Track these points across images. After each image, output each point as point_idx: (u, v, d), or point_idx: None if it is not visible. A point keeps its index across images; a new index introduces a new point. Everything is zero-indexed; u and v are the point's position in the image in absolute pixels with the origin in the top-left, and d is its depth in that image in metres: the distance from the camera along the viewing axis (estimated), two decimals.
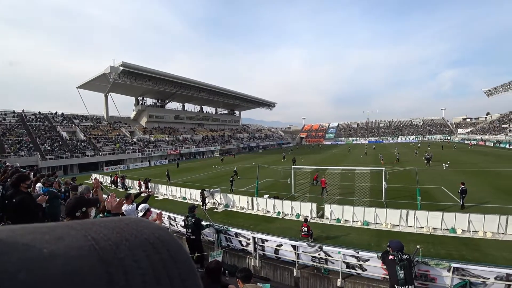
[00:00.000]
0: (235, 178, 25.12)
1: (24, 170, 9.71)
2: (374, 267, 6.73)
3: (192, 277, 0.34)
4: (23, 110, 51.97)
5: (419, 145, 68.13)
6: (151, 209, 6.03)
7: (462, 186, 14.59)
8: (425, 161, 32.47)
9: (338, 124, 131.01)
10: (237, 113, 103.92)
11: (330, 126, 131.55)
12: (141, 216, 5.43)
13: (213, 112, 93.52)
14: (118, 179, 27.08)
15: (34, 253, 0.25)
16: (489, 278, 5.73)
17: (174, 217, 10.74)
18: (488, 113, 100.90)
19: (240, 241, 8.87)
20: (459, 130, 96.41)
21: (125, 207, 5.64)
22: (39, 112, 53.73)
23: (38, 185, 7.14)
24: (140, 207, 5.61)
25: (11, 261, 0.23)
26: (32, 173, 10.96)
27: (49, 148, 42.57)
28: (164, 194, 21.74)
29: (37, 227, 0.30)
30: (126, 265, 0.28)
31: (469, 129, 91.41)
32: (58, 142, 45.42)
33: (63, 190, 9.13)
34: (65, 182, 11.30)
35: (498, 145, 59.70)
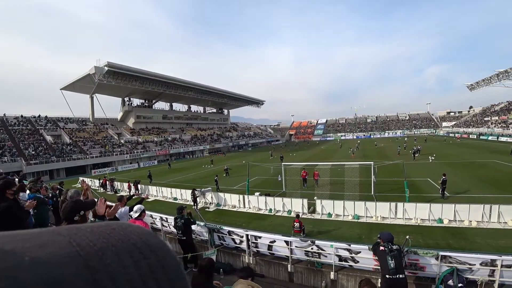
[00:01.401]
0: (222, 177, 25.10)
1: (9, 177, 9.44)
2: (366, 258, 6.90)
3: (181, 282, 0.33)
4: (4, 114, 50.23)
5: (406, 138, 69.57)
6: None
7: (444, 177, 15.23)
8: (412, 154, 33.33)
9: (327, 120, 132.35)
10: (225, 111, 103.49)
11: (318, 122, 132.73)
12: (137, 217, 5.38)
13: (202, 111, 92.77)
14: (107, 182, 26.60)
15: (15, 261, 0.24)
16: (474, 264, 5.97)
17: (166, 218, 10.67)
18: (471, 107, 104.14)
19: (233, 239, 8.90)
20: (444, 124, 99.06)
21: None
22: (22, 116, 52.04)
23: (22, 194, 6.86)
24: (135, 208, 5.55)
25: None
26: (16, 179, 10.66)
27: (33, 152, 41.33)
28: (155, 195, 21.50)
29: (19, 233, 0.29)
30: (113, 271, 0.27)
31: (453, 123, 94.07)
32: (43, 146, 44.18)
33: (50, 195, 8.89)
34: (52, 187, 10.99)
35: (480, 137, 61.68)
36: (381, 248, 5.57)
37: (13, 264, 0.23)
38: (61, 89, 58.56)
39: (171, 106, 79.59)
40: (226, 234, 8.98)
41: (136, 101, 69.46)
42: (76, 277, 0.25)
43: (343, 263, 7.26)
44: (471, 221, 11.13)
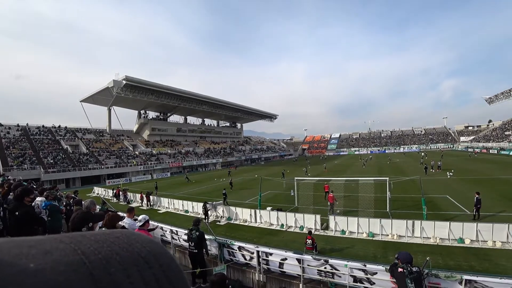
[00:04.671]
0: (231, 191, 25.00)
1: (25, 184, 9.65)
2: (382, 280, 6.54)
3: None
4: (27, 124, 52.45)
5: (422, 154, 67.82)
6: (153, 223, 5.93)
7: (477, 196, 13.83)
8: (424, 169, 32.71)
9: (340, 135, 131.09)
10: (238, 125, 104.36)
11: (332, 137, 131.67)
12: (140, 226, 5.37)
13: (215, 125, 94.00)
14: (120, 192, 26.95)
15: (20, 268, 0.24)
16: None
17: (176, 230, 10.58)
18: (490, 121, 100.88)
19: (243, 255, 8.68)
20: (462, 138, 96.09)
21: (128, 221, 5.58)
22: (43, 126, 54.16)
23: (39, 199, 7.00)
24: (140, 217, 5.59)
25: None
26: (34, 186, 10.90)
27: (52, 161, 42.65)
28: (166, 207, 21.55)
29: (24, 240, 0.29)
30: (117, 280, 0.27)
31: (472, 137, 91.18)
32: (61, 156, 45.55)
33: (64, 203, 9.01)
34: (67, 195, 11.16)
35: (501, 152, 59.28)
36: (400, 269, 5.26)
37: (18, 271, 0.23)
38: (81, 101, 60.92)
39: (185, 119, 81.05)
40: (236, 250, 8.78)
41: (152, 114, 71.35)
42: (80, 286, 0.25)
43: (358, 284, 6.90)
44: (495, 241, 10.50)
